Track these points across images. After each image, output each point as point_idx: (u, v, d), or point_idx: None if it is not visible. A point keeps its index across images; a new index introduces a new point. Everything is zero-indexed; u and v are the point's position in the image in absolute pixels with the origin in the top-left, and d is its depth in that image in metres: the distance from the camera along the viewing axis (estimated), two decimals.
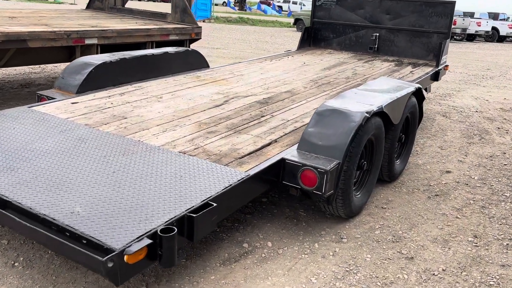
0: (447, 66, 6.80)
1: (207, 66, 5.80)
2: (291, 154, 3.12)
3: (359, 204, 3.59)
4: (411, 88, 4.11)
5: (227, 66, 6.09)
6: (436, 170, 4.71)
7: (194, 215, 2.28)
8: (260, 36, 20.14)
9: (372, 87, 4.04)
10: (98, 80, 4.44)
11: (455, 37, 24.66)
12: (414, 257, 3.09)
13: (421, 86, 4.31)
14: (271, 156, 3.10)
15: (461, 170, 4.77)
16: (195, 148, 3.14)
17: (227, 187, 2.60)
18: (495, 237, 3.43)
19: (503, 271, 3.00)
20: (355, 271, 2.88)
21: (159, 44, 6.56)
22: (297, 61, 6.68)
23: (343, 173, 3.18)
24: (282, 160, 3.07)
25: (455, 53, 17.30)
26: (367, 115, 3.24)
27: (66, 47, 5.69)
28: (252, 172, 2.80)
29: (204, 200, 2.43)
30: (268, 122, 3.82)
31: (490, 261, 3.10)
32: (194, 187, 2.56)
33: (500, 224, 3.63)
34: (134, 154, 2.94)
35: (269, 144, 3.32)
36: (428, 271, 2.94)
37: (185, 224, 2.31)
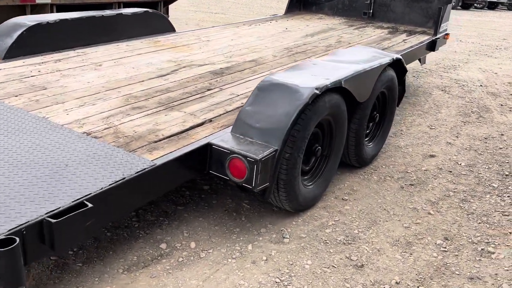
0: (447, 35, 6.09)
1: (173, 30, 5.22)
2: (221, 138, 2.58)
3: (312, 196, 3.05)
4: (386, 59, 3.50)
5: (196, 30, 5.49)
6: (418, 154, 4.13)
7: (52, 221, 1.77)
8: (266, 1, 19.26)
9: (340, 57, 3.44)
10: (32, 44, 3.92)
11: (475, 5, 23.35)
12: (365, 265, 2.57)
13: (400, 57, 3.68)
14: (196, 140, 2.57)
15: (447, 154, 4.18)
16: (106, 128, 2.62)
17: (117, 181, 2.08)
18: (470, 240, 2.88)
19: (470, 285, 2.47)
20: (286, 283, 2.38)
21: (128, 6, 5.97)
22: (279, 27, 6.04)
23: (285, 161, 2.64)
24: (209, 145, 2.54)
25: (472, 22, 16.27)
26: (317, 91, 2.67)
27: (17, 7, 5.14)
28: (160, 161, 2.28)
29: (77, 200, 1.92)
30: (213, 96, 3.27)
31: (457, 272, 2.57)
32: (76, 180, 2.05)
33: (479, 223, 3.08)
34: (25, 135, 2.43)
35: (201, 124, 2.78)
36: (377, 284, 2.43)
37: (44, 231, 1.81)
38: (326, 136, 3.13)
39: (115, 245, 2.58)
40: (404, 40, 5.47)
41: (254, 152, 2.44)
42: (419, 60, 5.64)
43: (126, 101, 3.06)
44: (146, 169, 2.20)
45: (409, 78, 6.93)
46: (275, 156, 2.51)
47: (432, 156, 4.11)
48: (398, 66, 3.76)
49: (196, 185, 3.28)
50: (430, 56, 8.18)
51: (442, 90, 6.44)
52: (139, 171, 2.16)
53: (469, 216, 3.16)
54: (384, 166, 3.82)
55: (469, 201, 3.35)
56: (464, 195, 3.45)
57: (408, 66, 7.59)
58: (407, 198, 3.33)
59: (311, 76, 2.88)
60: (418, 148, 4.26)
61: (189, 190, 3.21)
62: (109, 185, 2.04)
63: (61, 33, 4.10)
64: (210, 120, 2.85)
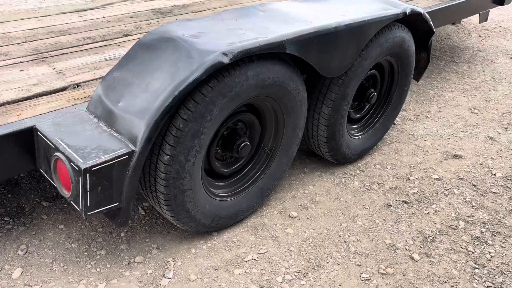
0: None
1: None
2: (59, 120, 1.64)
3: (232, 212, 2.06)
4: (390, 11, 2.29)
5: None
6: (438, 151, 2.95)
7: None
8: None
9: (316, 3, 2.28)
10: None
11: None
12: None
13: (420, 10, 2.45)
14: (18, 120, 1.64)
15: (480, 155, 2.96)
16: None
17: None
18: None
19: None
20: None
21: None
22: None
23: (163, 167, 1.66)
24: (35, 131, 1.60)
25: None
26: (224, 59, 1.61)
27: None
28: None
29: None
30: (121, 46, 2.31)
31: None
32: None
33: (487, 287, 1.96)
34: None
35: (58, 91, 1.85)
36: None
37: None
38: (269, 127, 2.08)
39: None
40: None
41: (87, 154, 1.48)
42: (479, 15, 4.22)
43: None
44: None
45: (472, 38, 5.45)
46: (130, 161, 1.53)
47: (456, 156, 2.91)
48: (416, 23, 2.54)
49: None
50: None
51: (511, 58, 4.96)
52: None
53: (475, 270, 2.04)
54: (378, 166, 2.70)
55: (486, 242, 2.21)
56: (482, 229, 2.30)
57: (474, 22, 6.04)
58: (389, 226, 2.25)
59: (236, 31, 1.80)
60: (440, 141, 3.06)
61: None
62: None
63: None
64: (77, 86, 1.89)
